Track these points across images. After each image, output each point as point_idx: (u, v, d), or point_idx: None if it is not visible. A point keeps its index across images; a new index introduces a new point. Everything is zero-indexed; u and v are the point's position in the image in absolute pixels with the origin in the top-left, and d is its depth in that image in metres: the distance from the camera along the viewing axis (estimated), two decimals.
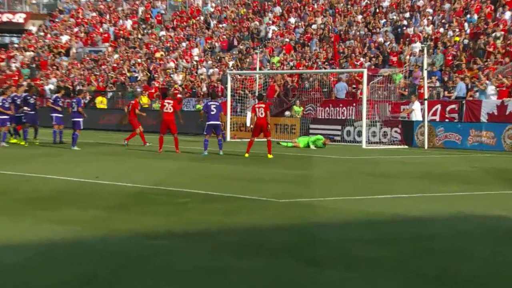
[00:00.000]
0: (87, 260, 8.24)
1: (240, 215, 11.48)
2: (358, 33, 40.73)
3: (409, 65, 34.61)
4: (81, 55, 54.36)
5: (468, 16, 37.39)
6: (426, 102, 29.66)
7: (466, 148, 28.40)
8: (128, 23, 57.05)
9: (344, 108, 33.63)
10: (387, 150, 28.53)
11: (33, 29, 61.26)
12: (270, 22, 47.49)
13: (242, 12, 51.38)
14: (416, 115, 30.38)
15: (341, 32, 41.70)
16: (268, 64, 40.93)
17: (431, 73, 32.64)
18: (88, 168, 18.73)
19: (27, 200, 12.70)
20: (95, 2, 62.28)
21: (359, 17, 42.84)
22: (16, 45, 59.22)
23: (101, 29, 57.67)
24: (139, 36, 54.71)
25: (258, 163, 21.21)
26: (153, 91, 42.43)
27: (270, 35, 45.98)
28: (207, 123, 23.82)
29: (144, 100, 41.12)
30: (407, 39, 37.26)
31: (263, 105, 23.27)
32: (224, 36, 48.70)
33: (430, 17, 39.04)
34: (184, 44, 49.93)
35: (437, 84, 32.93)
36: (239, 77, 37.89)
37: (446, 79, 32.89)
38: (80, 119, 25.96)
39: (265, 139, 23.04)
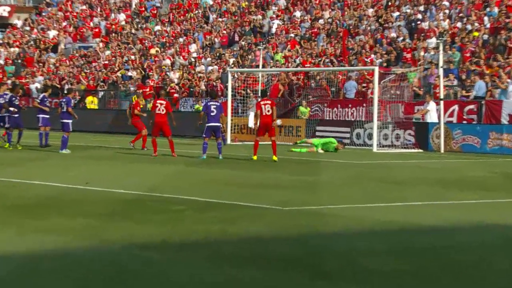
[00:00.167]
0: (76, 273, 8.22)
1: (240, 224, 11.46)
2: (368, 28, 40.74)
3: (423, 63, 34.60)
4: (70, 51, 54.44)
5: (488, 9, 37.37)
6: (442, 102, 29.64)
7: (486, 152, 28.37)
8: (121, 17, 57.12)
9: (354, 108, 33.62)
10: (400, 154, 28.51)
11: (18, 23, 61.35)
12: (274, 15, 47.52)
13: (244, 5, 51.41)
14: (432, 117, 30.38)
15: (351, 27, 41.71)
16: (271, 61, 40.95)
17: (448, 71, 32.64)
18: (77, 173, 18.72)
19: (12, 208, 12.69)
20: None
21: (370, 10, 42.85)
22: None
23: (91, 23, 57.74)
24: (133, 31, 54.77)
25: (261, 167, 21.20)
26: (147, 90, 42.46)
27: (274, 30, 46.00)
28: (207, 125, 23.81)
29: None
30: (422, 35, 37.25)
31: (269, 102, 23.28)
32: (224, 31, 48.74)
33: (447, 11, 39.02)
34: (181, 40, 49.99)
35: (455, 83, 32.92)
36: (240, 75, 37.93)
37: (463, 77, 32.88)
38: (70, 121, 25.92)
39: (269, 141, 23.02)
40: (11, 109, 27.26)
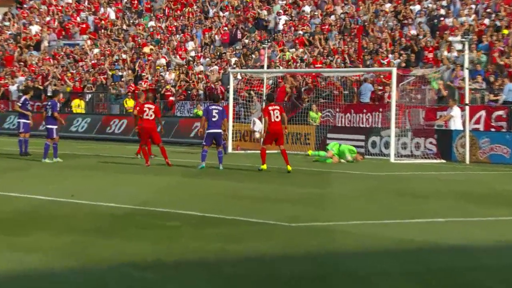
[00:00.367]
0: None
1: (243, 242, 11.48)
2: (386, 24, 40.78)
3: (447, 63, 34.62)
4: (54, 49, 54.52)
5: None
6: (467, 107, 29.65)
7: None
8: (111, 12, 57.23)
9: (369, 114, 33.63)
10: (420, 165, 28.50)
11: None
12: (281, 10, 47.60)
13: None
14: (456, 123, 30.36)
15: (366, 24, 41.77)
16: (277, 61, 40.99)
17: (474, 72, 32.65)
18: (62, 185, 18.75)
19: None
20: None
21: (388, 5, 42.92)
22: None
23: (78, 18, 57.84)
24: (124, 27, 54.87)
25: (266, 178, 21.21)
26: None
27: (280, 26, 46.07)
28: (207, 131, 23.83)
29: (130, 103, 41.23)
30: (445, 32, 37.29)
31: (278, 107, 23.33)
32: (226, 28, 48.82)
33: (473, 6, 39.08)
34: (177, 37, 50.07)
35: (483, 85, 32.90)
36: (245, 75, 37.95)
37: (491, 80, 32.89)
38: (55, 127, 25.88)
39: (272, 149, 23.04)
40: None
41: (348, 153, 28.37)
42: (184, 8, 54.13)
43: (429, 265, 10.13)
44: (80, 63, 50.64)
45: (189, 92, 42.07)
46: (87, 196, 16.21)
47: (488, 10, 38.22)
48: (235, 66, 41.88)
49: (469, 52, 30.75)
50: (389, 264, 10.14)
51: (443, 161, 29.69)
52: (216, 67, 43.30)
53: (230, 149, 32.65)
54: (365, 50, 38.88)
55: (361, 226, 13.25)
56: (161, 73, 44.85)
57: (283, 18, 46.65)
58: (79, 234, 11.66)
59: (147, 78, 44.91)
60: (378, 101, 34.82)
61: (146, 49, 49.04)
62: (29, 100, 29.38)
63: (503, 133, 29.82)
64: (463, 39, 30.75)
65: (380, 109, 33.22)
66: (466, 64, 30.06)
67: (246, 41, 45.89)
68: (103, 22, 55.93)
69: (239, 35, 47.60)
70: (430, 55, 36.33)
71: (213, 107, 24.08)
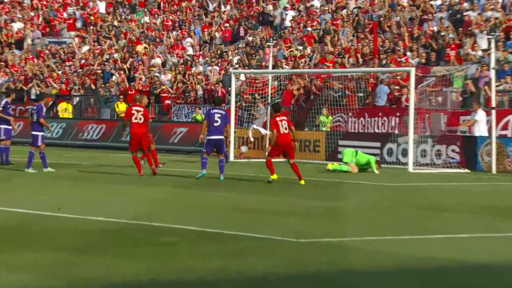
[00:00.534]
0: None
1: (246, 259, 11.49)
2: (403, 20, 40.80)
3: (472, 63, 34.60)
4: (39, 47, 54.61)
5: None
6: (494, 111, 29.64)
7: None
8: (101, 6, 57.32)
9: (385, 118, 33.64)
10: (441, 175, 28.49)
11: None
12: (288, 5, 47.66)
13: None
14: (480, 129, 30.35)
15: (381, 19, 41.81)
16: (284, 60, 41.03)
17: (501, 73, 32.64)
18: (47, 197, 18.77)
19: None
20: None
21: None
22: None
23: (65, 14, 57.96)
24: (115, 23, 54.95)
25: (272, 190, 21.22)
26: (133, 93, 42.55)
27: (287, 22, 46.12)
28: (208, 137, 23.83)
29: (121, 107, 41.28)
30: (469, 28, 37.30)
31: (285, 118, 23.27)
32: (227, 24, 48.89)
33: (500, 0, 39.08)
34: (174, 34, 50.15)
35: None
36: (249, 76, 37.98)
37: None
38: (41, 133, 25.90)
39: (277, 158, 23.06)
40: None
41: (372, 166, 28.21)
42: (181, 3, 54.22)
43: (451, 285, 10.13)
44: (67, 63, 50.70)
45: (187, 94, 42.08)
46: (75, 209, 16.23)
47: None
48: (237, 66, 41.93)
49: (496, 51, 30.75)
50: (406, 284, 10.14)
51: (467, 170, 29.67)
52: (216, 67, 43.34)
53: (232, 158, 32.63)
54: (380, 48, 38.87)
55: (376, 242, 13.25)
56: (156, 74, 44.79)
57: (290, 13, 46.71)
58: (66, 251, 11.67)
59: (140, 79, 44.89)
60: (395, 104, 34.80)
61: (140, 48, 49.08)
62: (10, 103, 29.43)
63: None
64: (490, 37, 30.73)
65: (397, 113, 33.22)
66: (493, 64, 30.04)
67: (250, 38, 45.94)
68: (92, 17, 56.03)
69: (241, 32, 47.68)
70: (452, 53, 36.31)
71: (215, 111, 24.05)
